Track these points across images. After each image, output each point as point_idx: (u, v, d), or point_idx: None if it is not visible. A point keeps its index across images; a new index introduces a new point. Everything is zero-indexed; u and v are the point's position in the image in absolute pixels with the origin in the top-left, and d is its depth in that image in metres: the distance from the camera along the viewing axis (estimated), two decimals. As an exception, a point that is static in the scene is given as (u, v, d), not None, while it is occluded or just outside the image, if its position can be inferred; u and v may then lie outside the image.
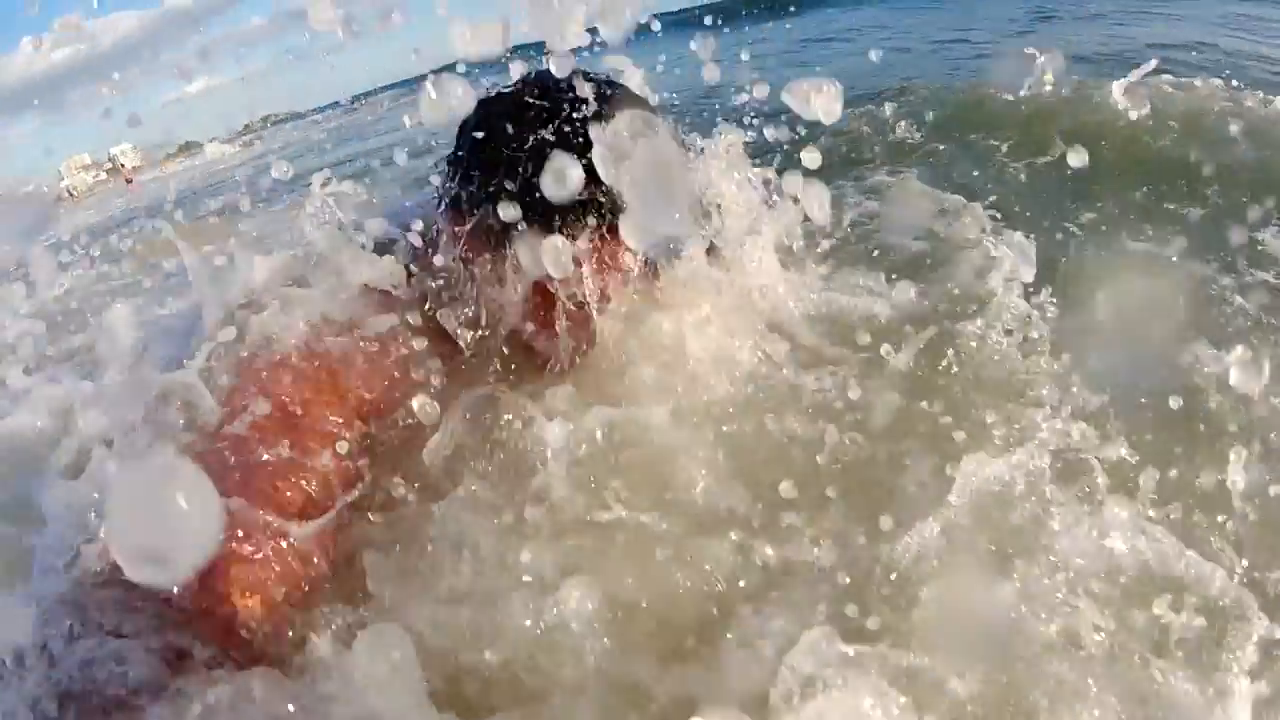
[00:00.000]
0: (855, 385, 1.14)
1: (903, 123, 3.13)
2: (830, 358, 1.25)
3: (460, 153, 1.03)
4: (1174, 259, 1.69)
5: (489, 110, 1.01)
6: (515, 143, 0.95)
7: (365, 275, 1.08)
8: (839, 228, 1.82)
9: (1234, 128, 2.57)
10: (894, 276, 1.55)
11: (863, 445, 1.08)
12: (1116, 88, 3.05)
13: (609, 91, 1.01)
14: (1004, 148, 2.79)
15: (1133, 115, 2.81)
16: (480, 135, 0.99)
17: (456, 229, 1.02)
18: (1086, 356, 1.25)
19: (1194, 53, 5.05)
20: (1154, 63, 3.01)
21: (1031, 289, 1.45)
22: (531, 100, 0.98)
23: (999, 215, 1.90)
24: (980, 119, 3.08)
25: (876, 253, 1.75)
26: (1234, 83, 3.14)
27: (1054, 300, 1.41)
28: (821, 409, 1.13)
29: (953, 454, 1.03)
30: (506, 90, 1.04)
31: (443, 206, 1.07)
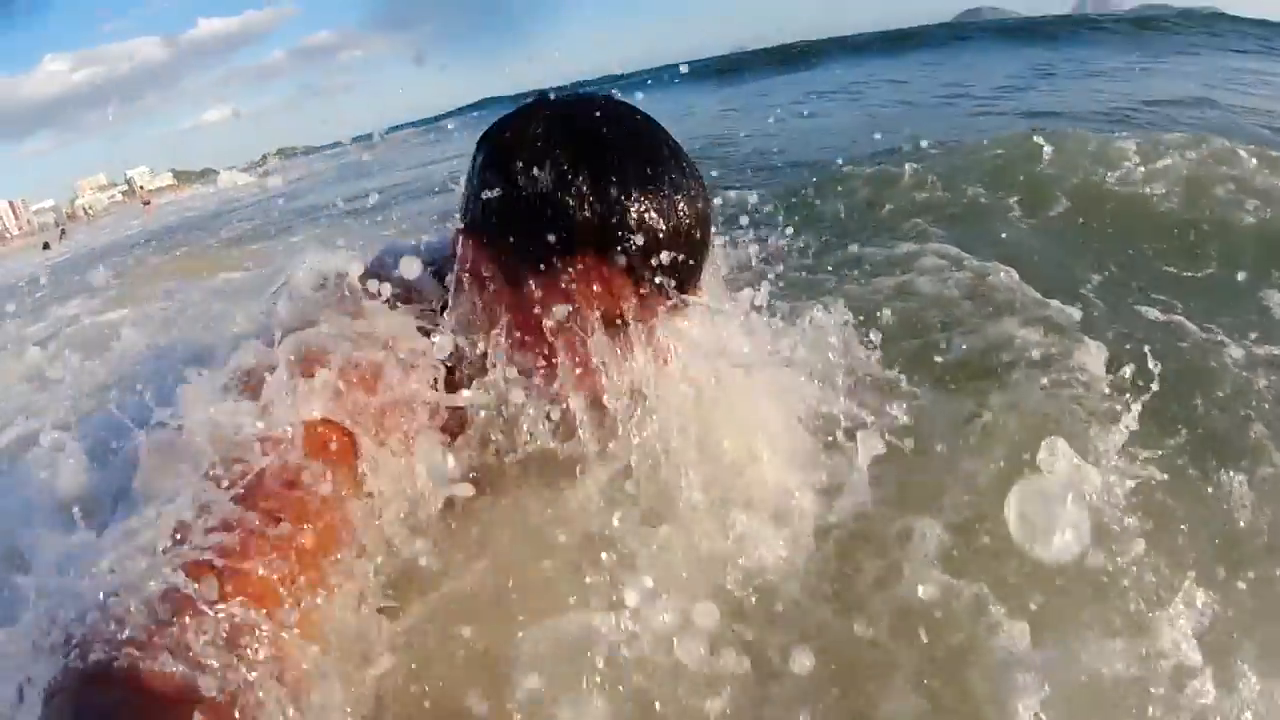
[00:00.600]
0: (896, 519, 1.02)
1: (916, 183, 3.17)
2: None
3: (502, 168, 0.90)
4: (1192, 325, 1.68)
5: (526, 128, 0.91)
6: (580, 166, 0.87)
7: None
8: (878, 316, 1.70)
9: (1236, 185, 2.64)
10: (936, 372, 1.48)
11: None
12: (1120, 146, 3.15)
13: (634, 118, 0.94)
14: (1015, 208, 2.83)
15: (1138, 173, 2.89)
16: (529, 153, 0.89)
17: (490, 255, 0.92)
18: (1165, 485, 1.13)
19: (1193, 109, 5.14)
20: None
21: (1091, 380, 1.35)
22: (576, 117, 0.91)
23: (1031, 285, 1.86)
24: (990, 180, 3.14)
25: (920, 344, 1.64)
26: (1233, 139, 3.24)
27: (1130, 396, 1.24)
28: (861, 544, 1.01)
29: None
30: (532, 106, 0.95)
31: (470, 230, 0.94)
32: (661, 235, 0.85)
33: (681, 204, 0.87)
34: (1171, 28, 17.51)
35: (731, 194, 2.07)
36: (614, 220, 0.84)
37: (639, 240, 0.84)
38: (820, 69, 17.48)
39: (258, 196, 15.13)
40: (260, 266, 4.06)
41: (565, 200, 0.84)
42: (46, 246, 22.96)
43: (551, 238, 0.85)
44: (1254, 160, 2.91)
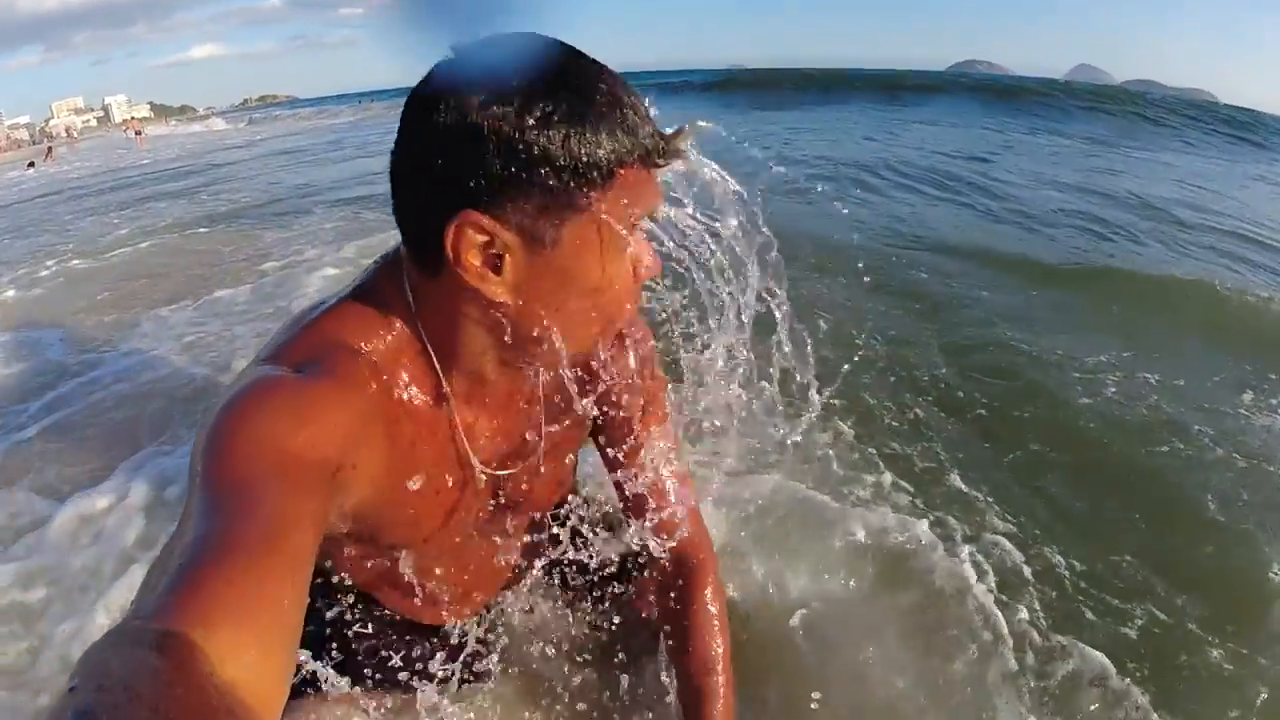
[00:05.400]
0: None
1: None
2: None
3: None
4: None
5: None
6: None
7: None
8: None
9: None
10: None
11: None
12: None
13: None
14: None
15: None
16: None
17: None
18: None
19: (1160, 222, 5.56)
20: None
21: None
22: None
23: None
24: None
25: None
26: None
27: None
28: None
29: None
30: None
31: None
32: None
33: None
34: (1159, 109, 18.25)
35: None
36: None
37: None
38: (811, 104, 18.07)
39: (244, 150, 14.97)
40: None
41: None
42: (31, 165, 22.61)
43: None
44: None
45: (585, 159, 0.71)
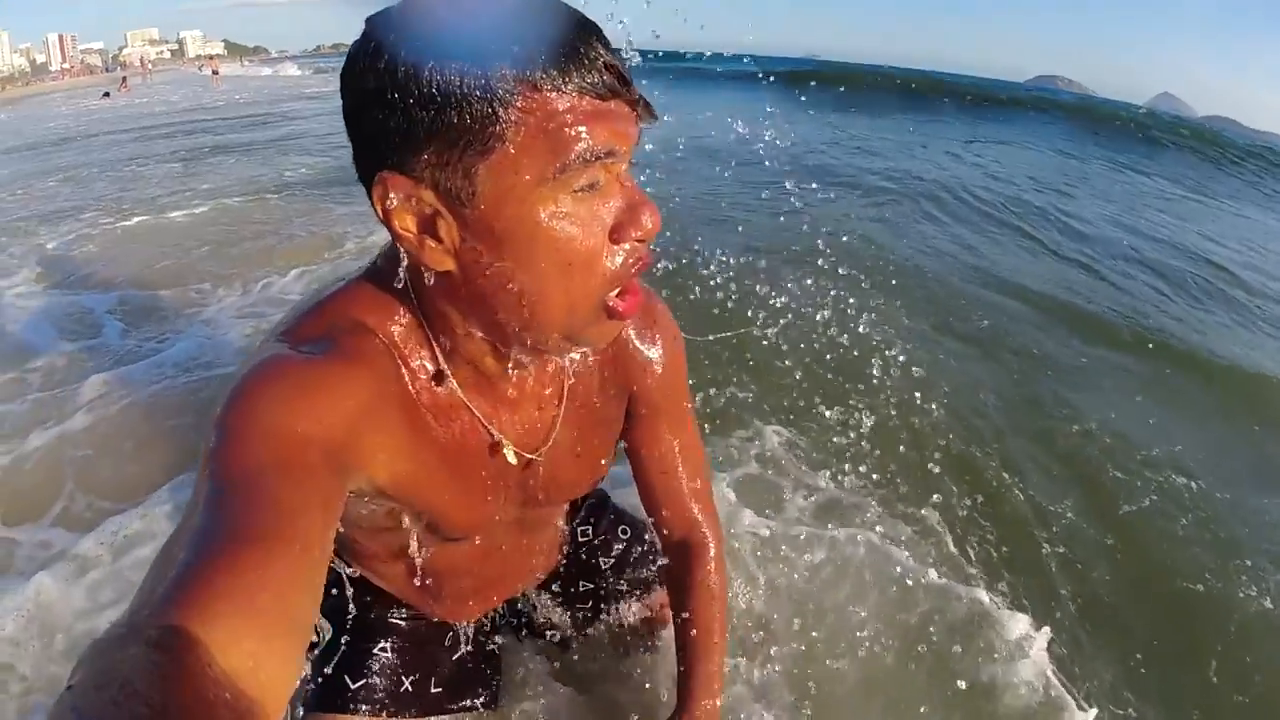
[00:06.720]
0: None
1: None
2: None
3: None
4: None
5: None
6: None
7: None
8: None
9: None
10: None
11: None
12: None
13: None
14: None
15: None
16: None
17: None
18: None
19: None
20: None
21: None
22: None
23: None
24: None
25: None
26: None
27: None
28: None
29: None
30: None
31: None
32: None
33: None
34: (1238, 152, 17.38)
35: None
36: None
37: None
38: (892, 109, 17.69)
39: (320, 97, 15.06)
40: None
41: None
42: (106, 95, 23.18)
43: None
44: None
45: (466, 87, 0.63)
